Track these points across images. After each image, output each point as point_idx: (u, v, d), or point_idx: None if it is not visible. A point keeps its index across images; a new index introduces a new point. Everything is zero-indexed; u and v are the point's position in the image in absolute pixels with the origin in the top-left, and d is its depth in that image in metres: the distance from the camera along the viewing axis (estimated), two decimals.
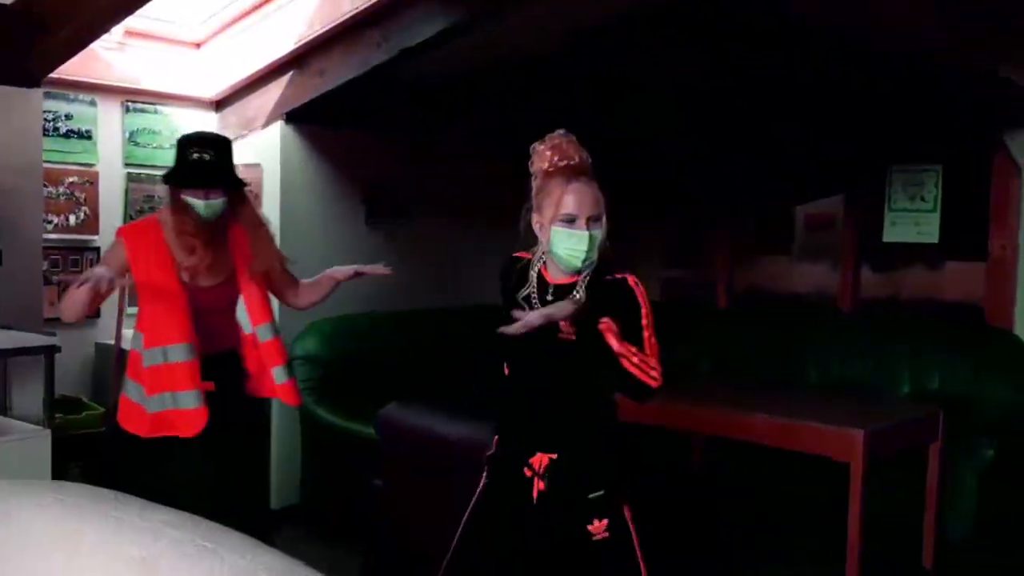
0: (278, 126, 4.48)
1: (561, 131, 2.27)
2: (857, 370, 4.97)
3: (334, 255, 4.69)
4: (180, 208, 2.77)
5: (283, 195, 4.50)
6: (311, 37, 4.12)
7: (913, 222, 5.12)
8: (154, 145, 4.50)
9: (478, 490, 2.39)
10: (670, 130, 5.35)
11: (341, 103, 4.38)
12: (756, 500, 4.50)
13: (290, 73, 4.36)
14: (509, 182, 2.57)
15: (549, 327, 2.16)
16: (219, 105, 4.71)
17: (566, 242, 2.20)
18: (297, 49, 4.21)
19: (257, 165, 4.52)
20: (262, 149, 4.53)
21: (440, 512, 3.04)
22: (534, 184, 2.27)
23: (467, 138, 5.20)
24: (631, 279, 2.25)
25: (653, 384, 2.19)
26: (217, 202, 2.77)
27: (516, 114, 5.16)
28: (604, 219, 2.21)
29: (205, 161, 2.77)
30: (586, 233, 2.18)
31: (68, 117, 4.16)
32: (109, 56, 4.20)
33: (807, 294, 5.79)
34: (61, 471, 3.51)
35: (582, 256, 2.19)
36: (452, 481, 2.95)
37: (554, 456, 2.24)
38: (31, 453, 3.03)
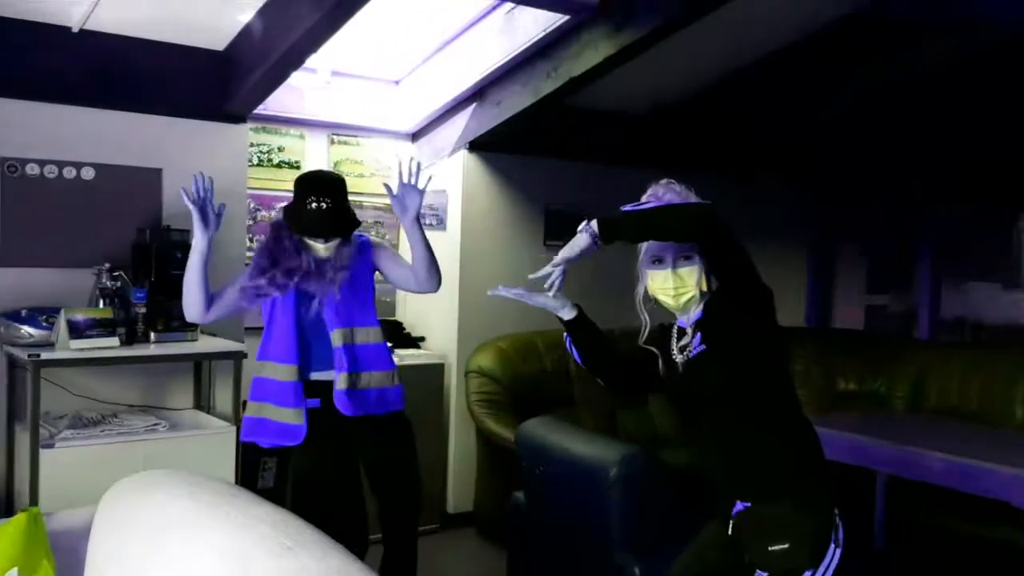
0: (462, 154, 4.78)
1: (664, 181, 2.30)
2: None
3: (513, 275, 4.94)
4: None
5: (464, 218, 4.79)
6: (489, 71, 4.39)
7: None
8: (356, 174, 4.94)
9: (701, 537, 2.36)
10: None
11: (517, 130, 4.61)
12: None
13: (472, 106, 4.66)
14: None
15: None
16: (415, 136, 5.10)
17: (656, 282, 2.25)
18: (479, 83, 4.50)
19: (443, 191, 4.85)
20: (448, 176, 4.85)
21: (571, 527, 3.14)
22: None
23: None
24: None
25: None
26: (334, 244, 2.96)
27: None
28: (700, 255, 2.20)
29: (324, 210, 2.90)
30: (669, 271, 2.22)
31: (280, 149, 4.68)
32: (316, 94, 4.67)
33: None
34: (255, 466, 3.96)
35: (671, 294, 2.22)
36: (578, 498, 3.04)
37: (748, 504, 2.17)
38: (218, 447, 3.44)
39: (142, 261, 3.57)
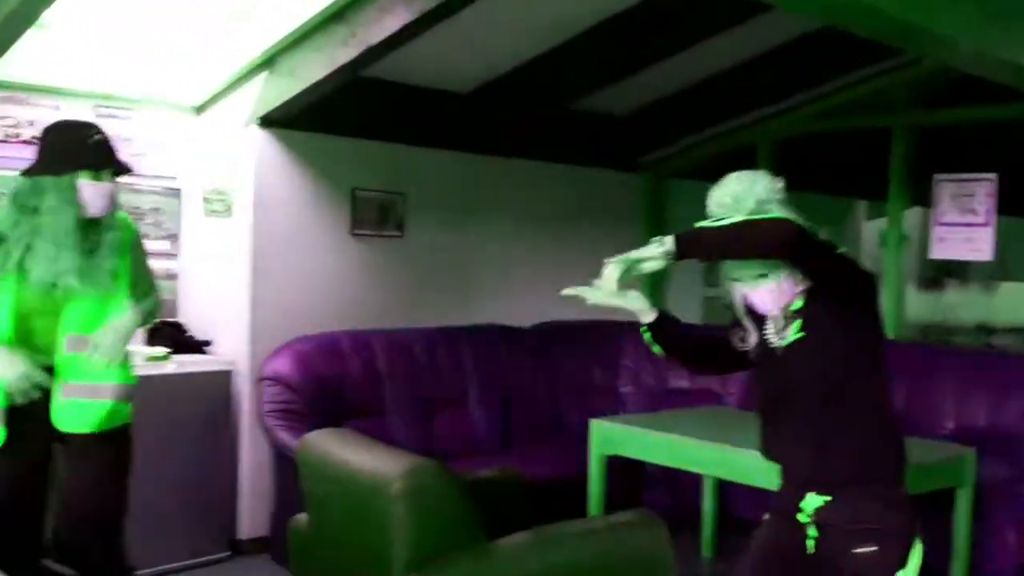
0: (253, 130, 4.21)
1: (735, 173, 2.21)
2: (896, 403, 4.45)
3: (315, 267, 4.43)
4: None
5: (257, 204, 4.23)
6: (281, 36, 3.86)
7: None
8: (128, 152, 4.27)
9: (758, 532, 2.27)
10: None
11: (318, 106, 4.10)
12: None
13: (263, 74, 4.10)
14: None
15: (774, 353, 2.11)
16: (200, 110, 4.48)
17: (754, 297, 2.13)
18: (270, 49, 3.96)
19: (231, 173, 4.27)
20: (238, 155, 4.27)
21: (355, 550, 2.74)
22: None
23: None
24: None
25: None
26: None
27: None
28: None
29: (106, 140, 2.69)
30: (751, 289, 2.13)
31: (31, 123, 3.98)
32: (78, 60, 3.99)
33: None
34: None
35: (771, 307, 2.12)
36: (360, 517, 2.63)
37: (828, 498, 2.07)
38: None
39: None
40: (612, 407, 5.00)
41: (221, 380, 4.16)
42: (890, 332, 4.99)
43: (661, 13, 4.17)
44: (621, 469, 4.05)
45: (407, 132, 4.66)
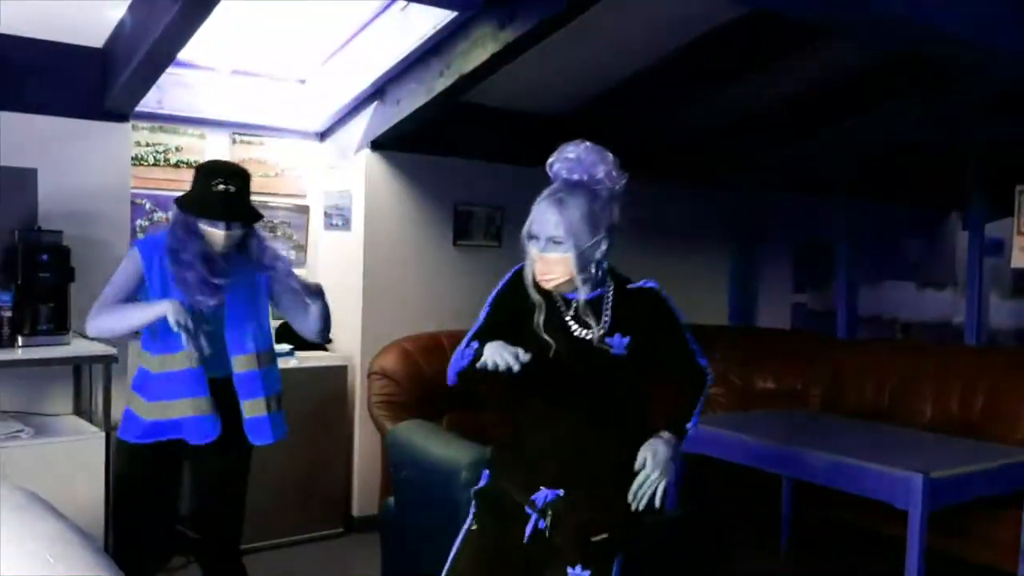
0: (364, 153, 4.72)
1: (577, 140, 2.21)
2: (977, 408, 4.51)
3: (420, 275, 4.89)
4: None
5: (368, 218, 4.73)
6: (387, 68, 4.33)
7: None
8: (260, 174, 4.86)
9: (464, 528, 2.31)
10: None
11: (423, 130, 4.56)
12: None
13: (374, 104, 4.60)
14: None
15: (585, 345, 2.15)
16: (323, 136, 5.03)
17: (529, 260, 2.18)
18: (378, 80, 4.44)
19: (347, 191, 4.79)
20: (353, 176, 4.78)
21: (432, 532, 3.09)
22: None
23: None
24: (657, 287, 2.25)
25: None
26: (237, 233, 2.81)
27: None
28: (575, 241, 2.12)
29: (230, 193, 2.76)
30: (540, 254, 2.14)
31: (178, 149, 4.60)
32: (217, 93, 4.59)
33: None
34: None
35: (543, 280, 2.16)
36: (436, 502, 2.98)
37: (560, 492, 2.15)
38: (86, 454, 3.37)
39: (9, 263, 3.48)
40: None
41: (338, 374, 4.67)
42: (971, 338, 5.04)
43: (749, 32, 4.38)
44: (706, 467, 4.25)
45: (505, 152, 5.05)
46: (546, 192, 2.20)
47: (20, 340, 3.44)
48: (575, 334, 2.18)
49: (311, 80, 4.83)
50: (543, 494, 2.16)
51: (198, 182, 2.81)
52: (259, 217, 2.89)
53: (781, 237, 6.22)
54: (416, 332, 4.75)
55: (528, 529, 2.17)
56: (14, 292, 3.42)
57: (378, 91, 4.55)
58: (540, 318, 2.20)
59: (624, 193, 2.22)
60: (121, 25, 3.56)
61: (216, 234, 2.77)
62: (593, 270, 2.17)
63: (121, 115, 3.87)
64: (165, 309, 2.66)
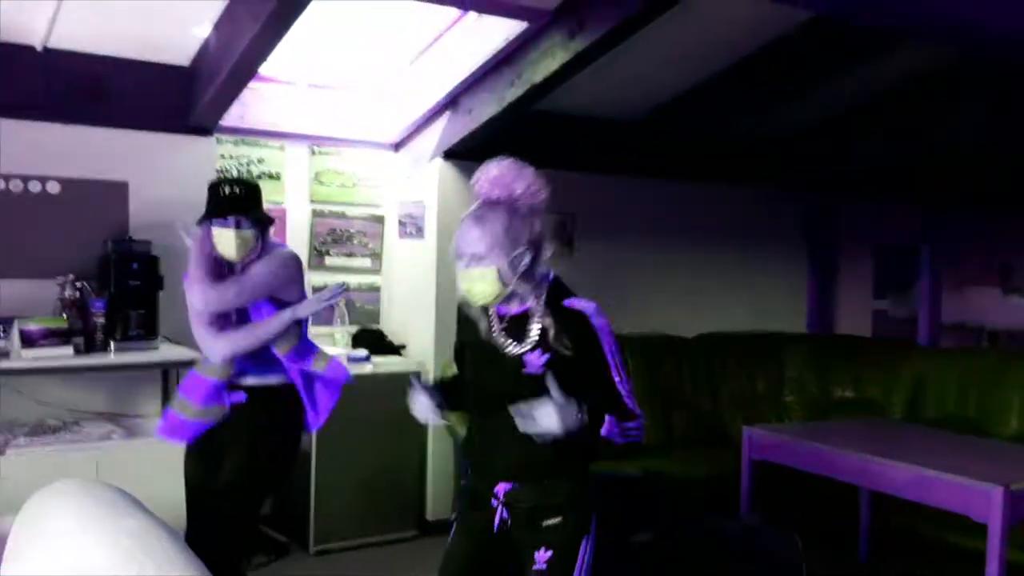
0: (437, 162, 4.81)
1: (499, 158, 2.30)
2: None
3: None
4: None
5: (440, 226, 4.82)
6: (460, 79, 4.42)
7: None
8: (338, 184, 5.00)
9: (453, 525, 2.44)
10: None
11: (493, 138, 4.61)
12: None
13: (447, 114, 4.69)
14: None
15: (509, 359, 2.20)
16: (397, 147, 5.14)
17: (458, 278, 2.25)
18: (452, 91, 4.53)
19: (421, 201, 4.88)
20: (426, 185, 4.88)
21: None
22: None
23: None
24: (589, 311, 2.21)
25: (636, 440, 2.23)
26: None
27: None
28: (495, 256, 2.18)
29: (236, 194, 2.94)
30: (464, 271, 2.20)
31: (260, 161, 4.76)
32: (296, 106, 4.74)
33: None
34: None
35: (470, 295, 2.21)
36: None
37: (513, 485, 2.26)
38: (173, 453, 3.47)
39: (103, 272, 3.65)
40: (775, 416, 5.19)
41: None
42: None
43: (816, 39, 4.36)
44: (780, 476, 4.17)
45: (576, 159, 5.08)
46: (469, 210, 2.28)
47: (113, 345, 3.61)
48: (503, 348, 2.24)
49: (386, 92, 4.95)
50: (502, 487, 2.27)
51: (209, 194, 2.99)
52: (270, 221, 3.03)
53: (860, 241, 6.09)
54: None
55: (496, 520, 2.29)
56: (108, 299, 3.59)
57: (451, 102, 4.63)
58: (480, 330, 2.29)
59: (544, 208, 2.35)
60: (206, 44, 3.71)
61: (227, 235, 2.90)
62: (519, 284, 2.21)
63: (206, 129, 4.03)
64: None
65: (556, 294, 2.26)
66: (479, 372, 2.33)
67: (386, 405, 4.61)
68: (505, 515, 2.28)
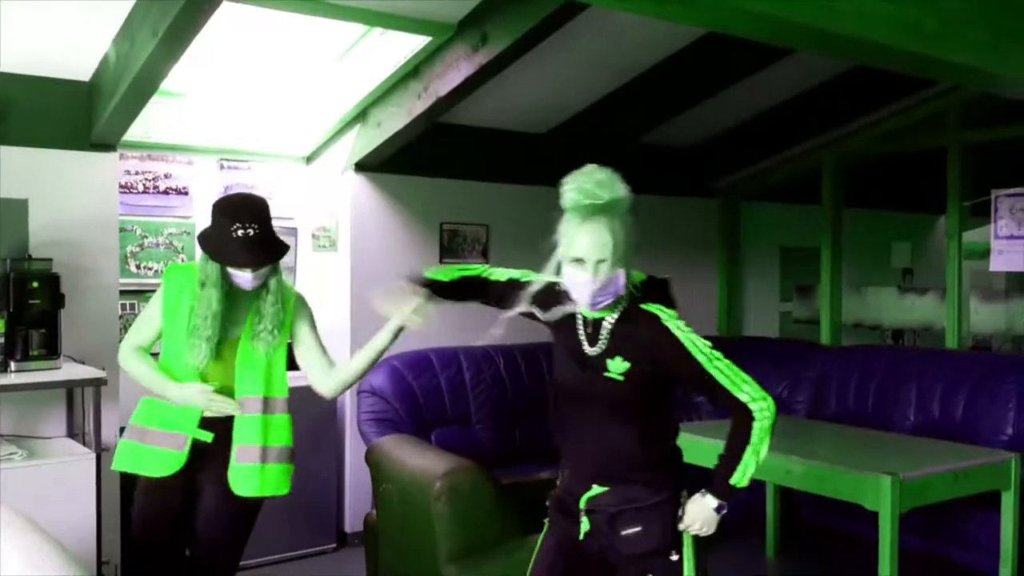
0: (349, 175, 4.83)
1: (592, 166, 2.27)
2: (955, 411, 4.59)
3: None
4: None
5: (354, 239, 4.83)
6: (368, 92, 4.45)
7: None
8: None
9: (543, 532, 2.41)
10: None
11: (407, 151, 4.67)
12: None
13: (357, 127, 4.71)
14: None
15: (588, 364, 2.22)
16: (309, 159, 5.14)
17: (573, 282, 2.23)
18: (360, 104, 4.56)
19: (333, 213, 4.89)
20: (338, 197, 4.89)
21: (409, 543, 3.14)
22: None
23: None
24: (661, 316, 2.22)
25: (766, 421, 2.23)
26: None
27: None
28: (614, 261, 2.17)
29: (251, 236, 2.67)
30: (588, 276, 2.18)
31: (167, 176, 4.71)
32: (204, 120, 4.70)
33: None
34: None
35: (586, 299, 2.20)
36: (412, 513, 3.06)
37: (599, 489, 2.24)
38: (78, 475, 3.46)
39: (2, 291, 3.58)
40: (686, 416, 5.31)
41: None
42: (951, 343, 5.11)
43: (719, 49, 4.50)
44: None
45: (489, 170, 5.16)
46: (576, 213, 2.24)
47: (12, 365, 3.53)
48: (586, 351, 2.27)
49: (296, 105, 4.95)
50: (586, 492, 2.26)
51: (217, 223, 2.72)
52: (285, 250, 2.81)
53: (766, 245, 6.29)
54: (404, 350, 4.83)
55: (582, 526, 2.27)
56: (5, 319, 3.52)
57: (360, 114, 4.67)
58: (569, 329, 2.31)
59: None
60: (105, 59, 3.67)
61: (243, 276, 2.74)
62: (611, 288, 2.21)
63: (108, 145, 3.97)
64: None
65: (635, 293, 2.28)
66: (565, 371, 2.32)
67: (303, 418, 4.59)
68: (587, 524, 2.25)
